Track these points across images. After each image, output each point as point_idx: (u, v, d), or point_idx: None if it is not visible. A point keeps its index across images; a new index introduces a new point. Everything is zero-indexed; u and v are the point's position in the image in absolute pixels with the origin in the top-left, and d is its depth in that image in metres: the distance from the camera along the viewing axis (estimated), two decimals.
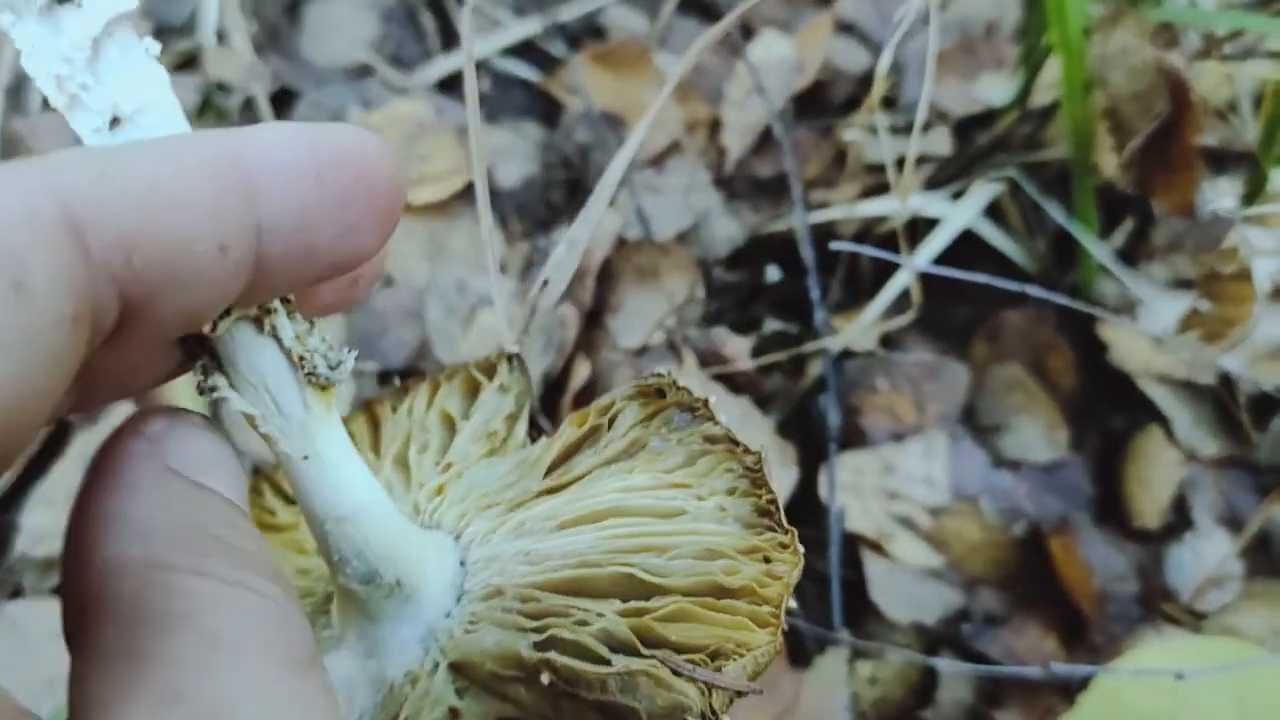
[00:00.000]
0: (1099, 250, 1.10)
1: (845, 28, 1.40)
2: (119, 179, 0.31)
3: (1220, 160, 1.17)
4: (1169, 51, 0.95)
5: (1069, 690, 0.97)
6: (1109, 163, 0.98)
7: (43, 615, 1.05)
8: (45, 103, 1.35)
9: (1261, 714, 0.88)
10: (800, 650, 1.00)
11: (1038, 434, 1.13)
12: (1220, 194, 1.03)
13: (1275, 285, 0.84)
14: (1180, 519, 1.09)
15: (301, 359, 0.40)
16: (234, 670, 0.32)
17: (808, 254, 1.06)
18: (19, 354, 0.28)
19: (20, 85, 1.35)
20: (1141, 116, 0.95)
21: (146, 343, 0.37)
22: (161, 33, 1.47)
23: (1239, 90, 1.09)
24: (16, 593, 1.07)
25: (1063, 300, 0.94)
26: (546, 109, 1.39)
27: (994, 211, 1.19)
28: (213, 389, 0.39)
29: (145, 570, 0.34)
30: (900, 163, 1.07)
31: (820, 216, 1.17)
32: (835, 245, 0.99)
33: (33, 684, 1.03)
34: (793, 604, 0.45)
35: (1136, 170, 1.00)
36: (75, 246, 0.30)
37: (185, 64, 1.44)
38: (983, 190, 1.11)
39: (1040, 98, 1.13)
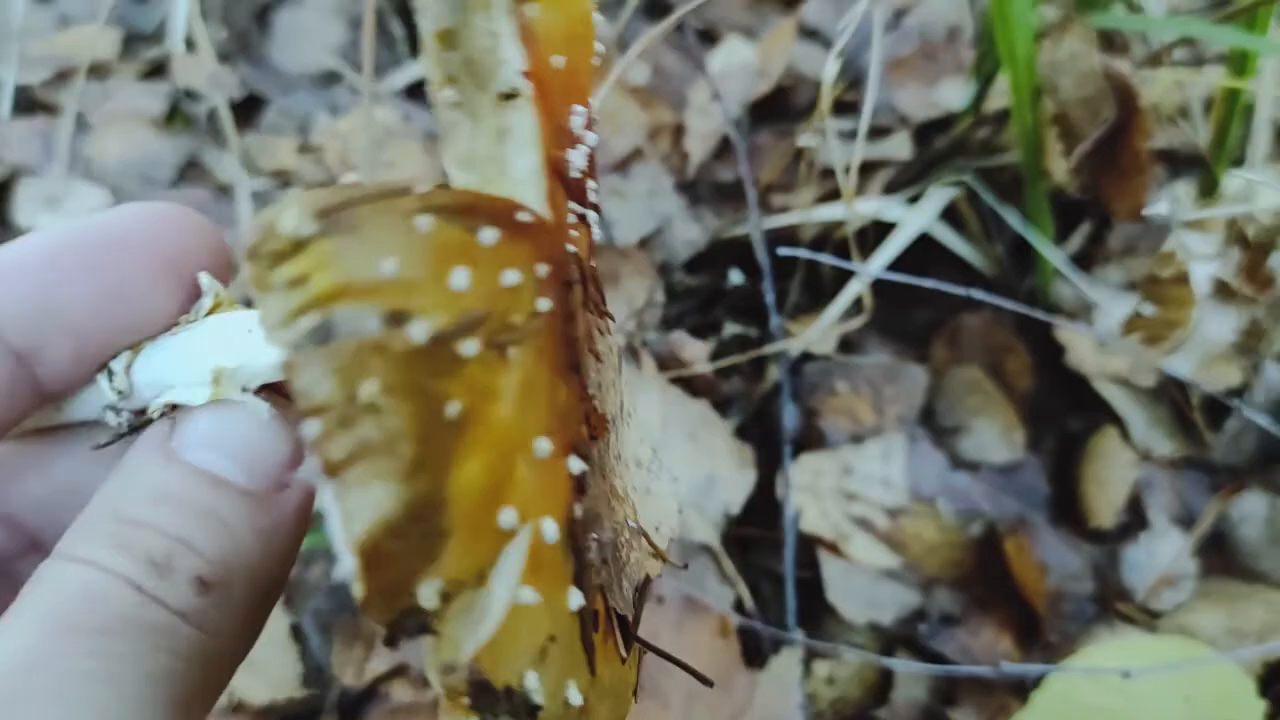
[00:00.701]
0: (1054, 255, 1.12)
1: (809, 33, 1.41)
2: None
3: (1174, 164, 1.19)
4: (1117, 58, 0.96)
5: (1023, 689, 0.98)
6: (1059, 168, 0.99)
7: None
8: (15, 108, 1.35)
9: (1210, 712, 0.90)
10: (756, 650, 1.00)
11: (995, 435, 1.14)
12: (1174, 198, 1.04)
13: (1216, 286, 0.85)
14: (1135, 519, 1.10)
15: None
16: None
17: (763, 258, 1.07)
18: None
19: None
20: (1090, 122, 0.96)
21: None
22: (131, 40, 1.48)
23: (1189, 95, 1.11)
24: None
25: (1011, 305, 0.95)
26: None
27: (953, 216, 1.20)
28: (160, 412, 0.36)
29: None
30: (860, 167, 1.08)
31: (779, 221, 1.18)
32: (784, 251, 1.00)
33: None
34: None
35: (1086, 175, 1.01)
36: None
37: (154, 71, 1.45)
38: (938, 195, 1.12)
39: (996, 102, 1.14)
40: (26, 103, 1.39)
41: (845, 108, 1.29)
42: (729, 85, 1.28)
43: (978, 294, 0.89)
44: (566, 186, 0.36)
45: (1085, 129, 0.96)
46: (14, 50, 1.38)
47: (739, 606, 1.03)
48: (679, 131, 1.32)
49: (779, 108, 1.34)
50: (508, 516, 0.29)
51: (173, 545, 0.32)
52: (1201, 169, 1.12)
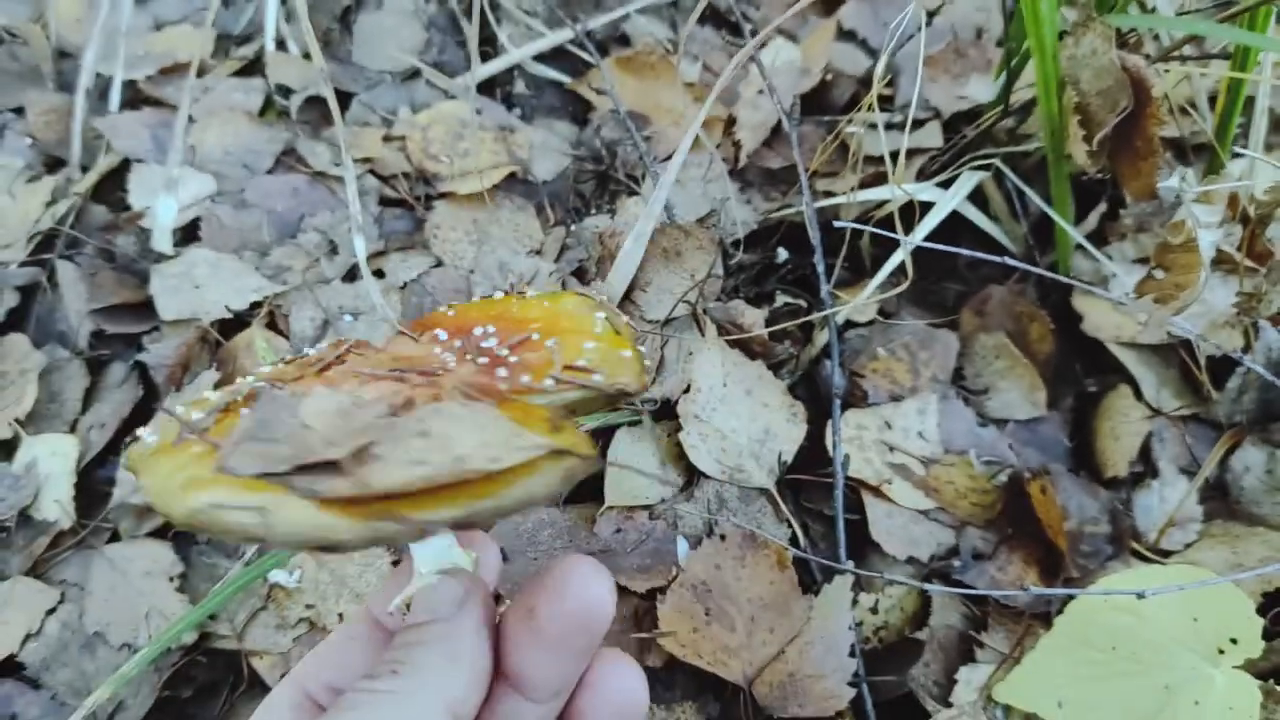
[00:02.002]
0: (1073, 231, 1.24)
1: (847, 34, 1.54)
2: None
3: (1182, 152, 1.31)
4: (1131, 53, 1.08)
5: (1047, 619, 1.10)
6: (1080, 152, 1.12)
7: (139, 556, 1.19)
8: (123, 102, 1.48)
9: (1214, 629, 1.01)
10: (810, 580, 1.13)
11: (1019, 395, 1.26)
12: (1183, 175, 1.15)
13: (1218, 257, 0.97)
14: (1147, 468, 1.22)
15: None
16: None
17: (814, 235, 1.19)
18: None
19: (102, 87, 1.49)
20: (1108, 111, 1.09)
21: None
22: (223, 39, 1.61)
23: (1197, 88, 1.23)
24: (115, 537, 1.20)
25: (1039, 271, 1.07)
26: (577, 109, 1.54)
27: (980, 199, 1.32)
28: None
29: None
30: (896, 155, 1.21)
31: (825, 203, 1.31)
32: (839, 223, 1.12)
33: (131, 617, 1.17)
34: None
35: (1104, 159, 1.13)
36: None
37: (245, 69, 1.59)
38: (968, 178, 1.25)
39: (1020, 96, 1.27)
40: (131, 97, 1.52)
41: (882, 100, 1.42)
42: (776, 81, 1.41)
43: (1011, 261, 1.02)
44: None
45: (1103, 116, 1.08)
46: (121, 49, 1.51)
47: (794, 542, 1.15)
48: (731, 123, 1.44)
49: (821, 101, 1.47)
50: None
51: None
52: (1208, 155, 1.25)
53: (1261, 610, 1.07)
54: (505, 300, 0.69)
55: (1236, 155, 1.24)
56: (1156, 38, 1.23)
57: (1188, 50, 1.21)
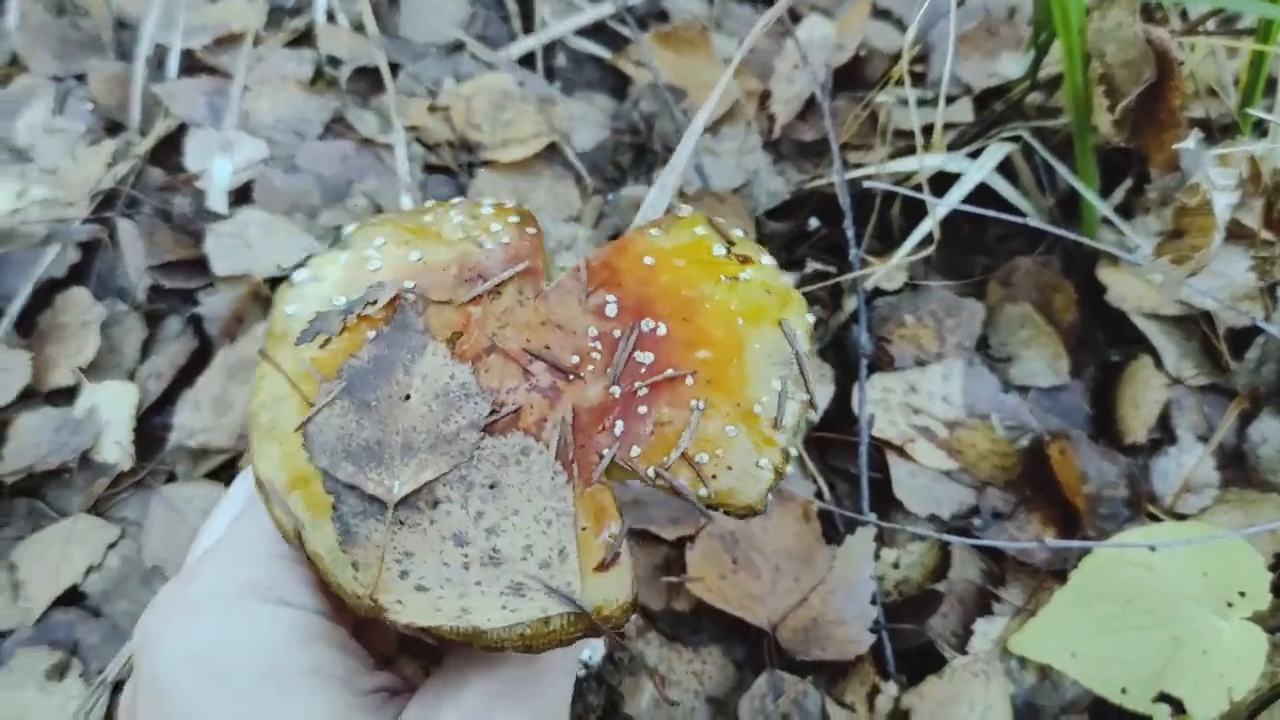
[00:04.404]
0: (1099, 202, 1.27)
1: (881, 13, 1.58)
2: None
3: (1210, 132, 1.34)
4: (1156, 26, 1.12)
5: (1063, 575, 1.14)
6: (1105, 122, 1.15)
7: (195, 496, 1.24)
8: (180, 69, 1.54)
9: (1224, 583, 1.04)
10: (834, 533, 1.17)
11: (1043, 363, 1.30)
12: (1200, 138, 1.17)
13: (1236, 228, 1.00)
14: (1165, 435, 1.25)
15: None
16: None
17: (845, 200, 1.23)
18: None
19: (160, 55, 1.55)
20: (1132, 81, 1.12)
21: None
22: (275, 11, 1.67)
23: (1222, 67, 1.26)
24: (171, 478, 1.26)
25: (1064, 233, 1.10)
26: (616, 83, 1.58)
27: (1009, 173, 1.36)
28: None
29: None
30: (926, 129, 1.25)
31: (857, 173, 1.35)
32: (870, 184, 1.16)
33: (187, 552, 1.23)
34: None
35: (1129, 130, 1.17)
36: None
37: (297, 40, 1.64)
38: (998, 149, 1.28)
39: (1049, 71, 1.30)
40: (188, 65, 1.58)
41: (914, 78, 1.45)
42: (811, 56, 1.45)
43: (1033, 223, 1.05)
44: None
45: (1128, 87, 1.11)
46: (179, 20, 1.58)
47: (819, 497, 1.20)
48: (765, 97, 1.49)
49: (855, 77, 1.51)
50: None
51: None
52: (1233, 134, 1.28)
53: (1272, 571, 1.10)
54: (713, 270, 0.59)
55: (1262, 135, 1.27)
56: (1184, 15, 1.26)
57: (1212, 26, 1.24)
